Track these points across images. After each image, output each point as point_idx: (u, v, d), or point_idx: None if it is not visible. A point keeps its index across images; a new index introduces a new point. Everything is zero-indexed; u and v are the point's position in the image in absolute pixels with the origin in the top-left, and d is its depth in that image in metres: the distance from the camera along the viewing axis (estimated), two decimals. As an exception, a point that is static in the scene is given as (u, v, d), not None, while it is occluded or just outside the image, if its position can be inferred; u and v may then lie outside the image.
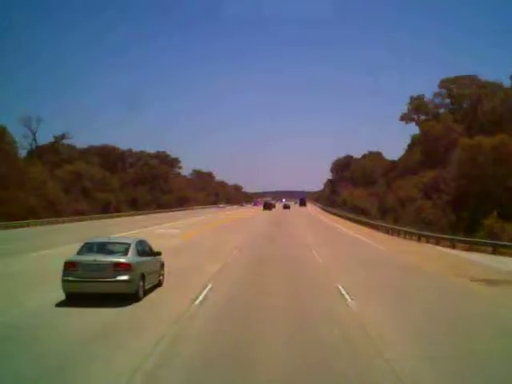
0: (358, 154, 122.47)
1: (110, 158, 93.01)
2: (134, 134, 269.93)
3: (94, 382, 7.04)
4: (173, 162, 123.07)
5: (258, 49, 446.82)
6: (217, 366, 7.67)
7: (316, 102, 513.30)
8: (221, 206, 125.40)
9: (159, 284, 14.46)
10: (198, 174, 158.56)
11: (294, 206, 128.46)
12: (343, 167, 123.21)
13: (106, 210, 70.07)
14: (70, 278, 11.95)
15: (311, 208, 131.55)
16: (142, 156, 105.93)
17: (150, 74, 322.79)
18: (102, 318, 10.72)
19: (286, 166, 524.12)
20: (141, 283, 12.60)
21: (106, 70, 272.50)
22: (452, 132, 54.12)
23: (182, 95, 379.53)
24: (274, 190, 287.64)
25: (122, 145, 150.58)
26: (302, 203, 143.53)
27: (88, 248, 12.87)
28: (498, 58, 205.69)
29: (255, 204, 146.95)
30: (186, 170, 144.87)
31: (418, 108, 66.16)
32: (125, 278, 11.98)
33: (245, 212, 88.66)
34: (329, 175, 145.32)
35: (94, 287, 11.93)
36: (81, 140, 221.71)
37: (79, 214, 58.53)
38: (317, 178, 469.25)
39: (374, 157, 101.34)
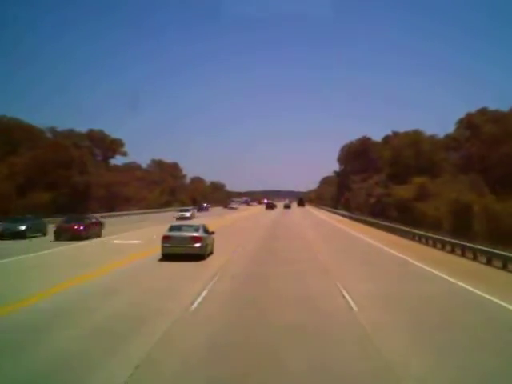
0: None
1: (12, 135, 64.42)
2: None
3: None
4: (112, 146, 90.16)
5: (239, 48, 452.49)
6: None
7: (305, 100, 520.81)
8: None
9: (212, 252, 23.01)
10: (158, 164, 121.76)
11: (282, 208, 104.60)
12: (358, 154, 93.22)
13: None
14: (166, 245, 20.54)
15: (319, 213, 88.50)
16: (70, 135, 78.65)
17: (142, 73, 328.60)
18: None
19: (273, 166, 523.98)
20: (205, 249, 21.18)
21: (104, 69, 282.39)
22: None
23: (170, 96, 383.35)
24: (261, 189, 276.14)
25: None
26: (301, 203, 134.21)
27: (174, 228, 21.50)
28: None
29: (201, 208, 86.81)
30: (144, 160, 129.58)
31: None
32: (198, 245, 20.59)
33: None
34: (324, 173, 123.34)
35: (180, 250, 20.48)
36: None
37: None
38: (307, 177, 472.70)
39: (413, 137, 63.61)
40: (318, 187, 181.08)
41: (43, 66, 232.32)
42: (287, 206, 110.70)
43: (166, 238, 20.80)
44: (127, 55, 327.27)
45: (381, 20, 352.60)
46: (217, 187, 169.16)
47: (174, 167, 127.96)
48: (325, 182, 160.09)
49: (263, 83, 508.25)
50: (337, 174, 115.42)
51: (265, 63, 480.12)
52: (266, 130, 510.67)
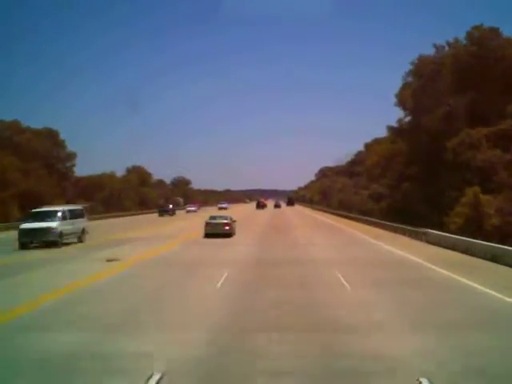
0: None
1: None
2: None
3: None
4: None
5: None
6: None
7: (288, 99, 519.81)
8: None
9: (234, 233, 35.20)
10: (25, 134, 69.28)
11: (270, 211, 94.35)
12: (470, 76, 42.26)
13: None
14: (207, 228, 32.95)
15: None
16: None
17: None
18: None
19: (256, 165, 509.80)
20: (232, 231, 33.58)
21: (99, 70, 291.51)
22: None
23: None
24: (243, 188, 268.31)
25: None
26: (290, 203, 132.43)
27: (212, 217, 33.94)
28: None
29: None
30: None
31: None
32: (228, 228, 33.44)
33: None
34: (316, 166, 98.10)
35: (216, 231, 33.08)
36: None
37: None
38: (294, 175, 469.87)
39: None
40: (316, 182, 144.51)
41: (40, 67, 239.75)
42: (277, 206, 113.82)
43: (207, 225, 33.28)
44: (122, 56, 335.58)
45: (379, 17, 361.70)
46: (145, 179, 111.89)
47: (52, 136, 75.20)
48: (323, 175, 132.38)
49: (249, 83, 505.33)
50: (395, 132, 54.45)
51: (245, 64, 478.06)
52: (252, 129, 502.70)
